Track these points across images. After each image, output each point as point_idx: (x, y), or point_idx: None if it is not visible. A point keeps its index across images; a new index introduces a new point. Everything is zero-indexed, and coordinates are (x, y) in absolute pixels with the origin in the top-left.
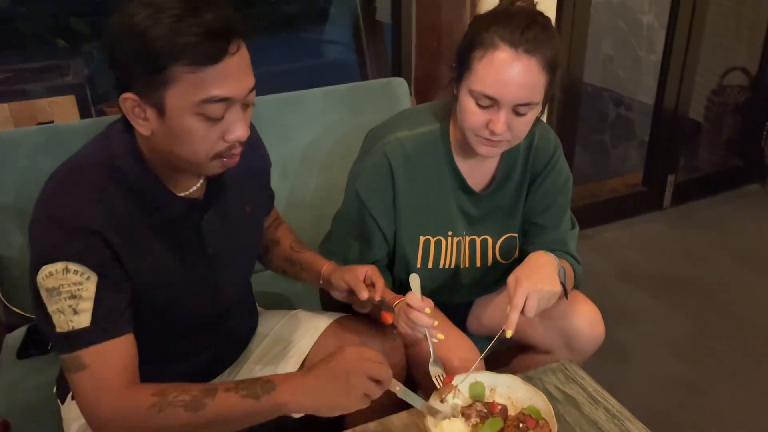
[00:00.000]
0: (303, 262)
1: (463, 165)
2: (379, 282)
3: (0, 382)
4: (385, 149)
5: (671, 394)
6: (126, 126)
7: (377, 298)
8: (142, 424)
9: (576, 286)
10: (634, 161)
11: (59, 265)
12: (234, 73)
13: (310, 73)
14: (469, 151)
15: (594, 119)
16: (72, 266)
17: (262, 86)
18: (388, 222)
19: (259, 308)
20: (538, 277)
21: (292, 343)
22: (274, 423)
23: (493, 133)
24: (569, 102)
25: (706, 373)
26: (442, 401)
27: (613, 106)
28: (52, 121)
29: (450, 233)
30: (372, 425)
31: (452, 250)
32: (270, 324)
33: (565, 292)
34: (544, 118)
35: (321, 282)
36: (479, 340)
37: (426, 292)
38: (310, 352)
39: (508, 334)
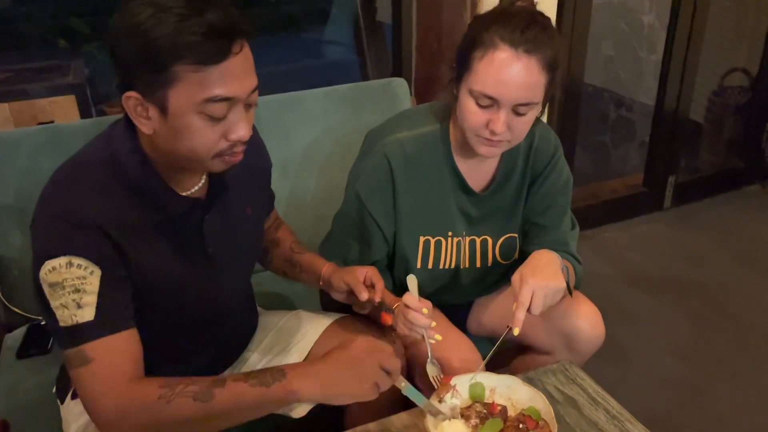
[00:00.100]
0: (303, 263)
1: (463, 165)
2: (379, 283)
3: (0, 382)
4: (385, 150)
5: (671, 395)
6: (128, 125)
7: (377, 299)
8: (150, 417)
9: (576, 287)
10: (635, 162)
11: (62, 260)
12: (237, 72)
13: (310, 74)
14: (469, 151)
15: (594, 120)
16: (75, 260)
17: (263, 86)
18: (388, 222)
19: (259, 308)
20: (543, 274)
21: (292, 344)
22: (274, 423)
23: (493, 133)
24: (570, 102)
25: (706, 374)
26: (440, 401)
27: (613, 106)
28: (52, 121)
29: (450, 233)
30: (372, 425)
31: (452, 250)
32: (270, 324)
33: (569, 290)
34: (545, 119)
35: (321, 283)
36: (479, 340)
37: (426, 292)
38: (310, 352)
39: (515, 331)
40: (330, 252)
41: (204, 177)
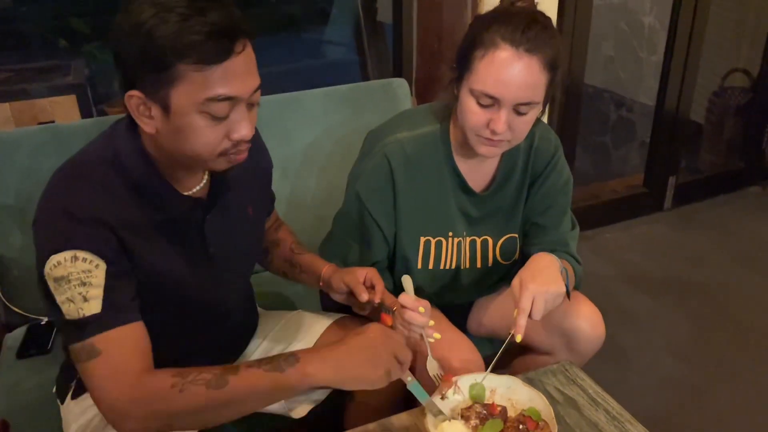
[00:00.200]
0: (303, 264)
1: (464, 165)
2: (379, 284)
3: (0, 382)
4: (386, 150)
5: (672, 395)
6: (131, 124)
7: (377, 300)
8: (163, 407)
9: (576, 287)
10: (635, 162)
11: (67, 254)
12: (239, 72)
13: (310, 74)
14: (469, 151)
15: (595, 120)
16: (80, 254)
17: (263, 86)
18: (388, 223)
19: (259, 309)
20: (543, 279)
21: (292, 344)
22: (275, 423)
23: (494, 132)
24: (570, 103)
25: (706, 375)
26: (442, 398)
27: (614, 107)
28: (52, 121)
29: (450, 234)
30: (372, 425)
31: (453, 250)
32: (270, 324)
33: (568, 293)
34: (545, 119)
35: (321, 284)
36: (479, 341)
37: (426, 293)
38: None
39: (518, 338)
40: (330, 253)
41: (206, 177)
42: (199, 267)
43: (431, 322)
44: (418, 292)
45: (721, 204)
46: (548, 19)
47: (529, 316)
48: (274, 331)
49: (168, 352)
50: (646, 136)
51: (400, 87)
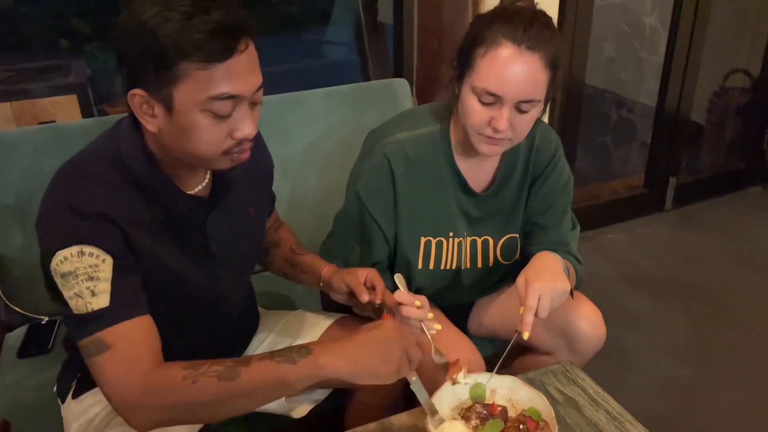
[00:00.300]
0: (303, 264)
1: (464, 166)
2: (380, 285)
3: (0, 382)
4: (386, 150)
5: (672, 396)
6: (133, 123)
7: (378, 301)
8: (174, 399)
9: (577, 287)
10: (636, 163)
11: (74, 249)
12: (242, 70)
13: (311, 74)
14: (469, 151)
15: (596, 121)
16: (87, 249)
17: (264, 87)
18: (388, 223)
19: (260, 309)
20: (548, 277)
21: (293, 343)
22: (274, 423)
23: (495, 130)
24: (571, 103)
25: (706, 375)
26: (454, 383)
27: (614, 107)
28: (53, 121)
29: (451, 234)
30: (372, 425)
31: (453, 251)
32: (271, 324)
33: (571, 291)
34: (546, 119)
35: (321, 284)
36: (480, 341)
37: (427, 293)
38: None
39: (525, 336)
40: (331, 253)
41: (208, 176)
42: (200, 265)
43: (430, 315)
44: (419, 292)
45: (721, 204)
46: (549, 17)
47: (535, 314)
48: (275, 331)
49: (169, 351)
50: (646, 137)
51: (401, 87)
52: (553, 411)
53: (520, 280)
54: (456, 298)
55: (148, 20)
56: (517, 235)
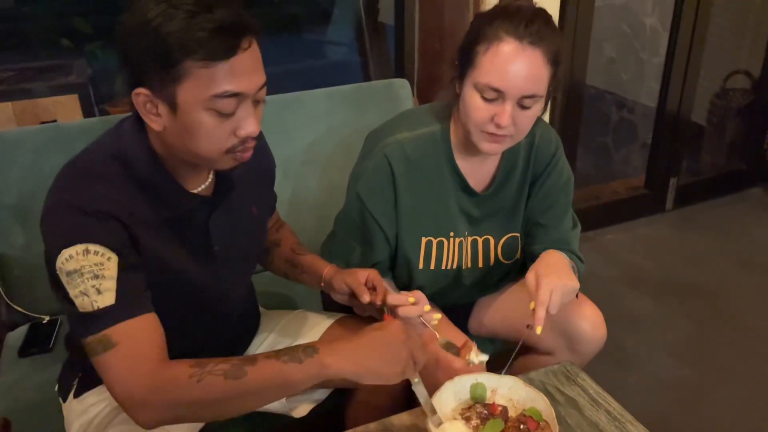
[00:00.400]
0: (304, 264)
1: (464, 165)
2: (380, 286)
3: (1, 381)
4: (386, 151)
5: (672, 397)
6: (137, 122)
7: (378, 302)
8: (180, 396)
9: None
10: (637, 164)
11: (79, 247)
12: (245, 68)
13: (312, 74)
14: (470, 151)
15: (596, 122)
16: (92, 247)
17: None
18: (389, 223)
19: (261, 309)
20: (558, 273)
21: (294, 342)
22: (274, 423)
23: (498, 126)
24: (572, 104)
25: (707, 376)
26: (468, 364)
27: (615, 108)
28: (55, 120)
29: (452, 234)
30: (372, 425)
31: (454, 250)
32: (272, 324)
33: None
34: (546, 120)
35: (322, 285)
36: (481, 340)
37: (427, 293)
38: None
39: (538, 330)
40: (332, 254)
41: (211, 175)
42: (202, 264)
43: (427, 307)
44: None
45: (722, 205)
46: (549, 15)
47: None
48: (275, 331)
49: (170, 350)
50: (647, 138)
51: (402, 87)
52: (553, 411)
53: (530, 275)
54: (456, 298)
55: (152, 19)
56: (518, 235)
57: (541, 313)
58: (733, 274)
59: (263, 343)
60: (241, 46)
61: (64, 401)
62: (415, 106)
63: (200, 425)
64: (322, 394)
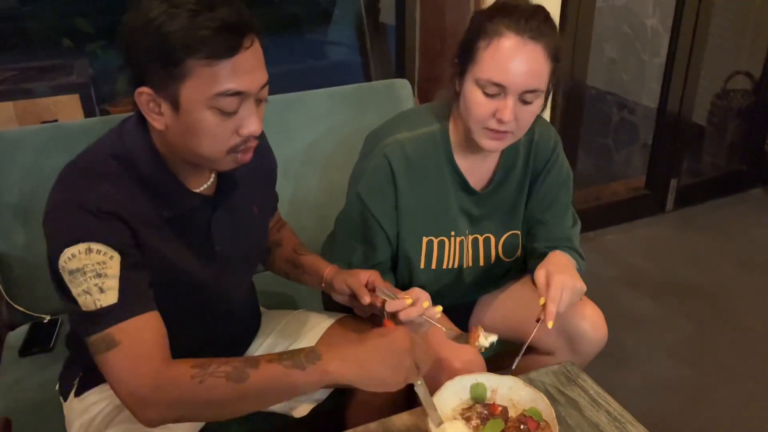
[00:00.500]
0: (305, 265)
1: (464, 164)
2: (381, 287)
3: (2, 380)
4: (386, 151)
5: (672, 397)
6: (140, 121)
7: (379, 303)
8: (183, 397)
9: None
10: (637, 165)
11: (81, 246)
12: (248, 67)
13: (313, 74)
14: (469, 149)
15: (597, 122)
16: (95, 246)
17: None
18: (390, 223)
19: (261, 308)
20: (568, 273)
21: (295, 342)
22: (275, 423)
23: (500, 122)
24: (572, 105)
25: (707, 377)
26: (480, 349)
27: (616, 109)
28: (56, 120)
29: (453, 233)
30: (373, 425)
31: (455, 250)
32: (273, 324)
33: None
34: (547, 120)
35: (323, 285)
36: None
37: (428, 292)
38: None
39: (549, 325)
40: (334, 256)
41: (213, 175)
42: (204, 264)
43: (426, 304)
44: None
45: (722, 206)
46: (547, 11)
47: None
48: (276, 330)
49: (171, 349)
50: (648, 138)
51: (403, 88)
52: (553, 411)
53: (540, 273)
54: (457, 297)
55: (155, 18)
56: (519, 232)
57: (552, 309)
58: (733, 274)
59: (264, 342)
60: (243, 44)
61: (65, 400)
62: (416, 106)
63: (201, 424)
64: (322, 394)
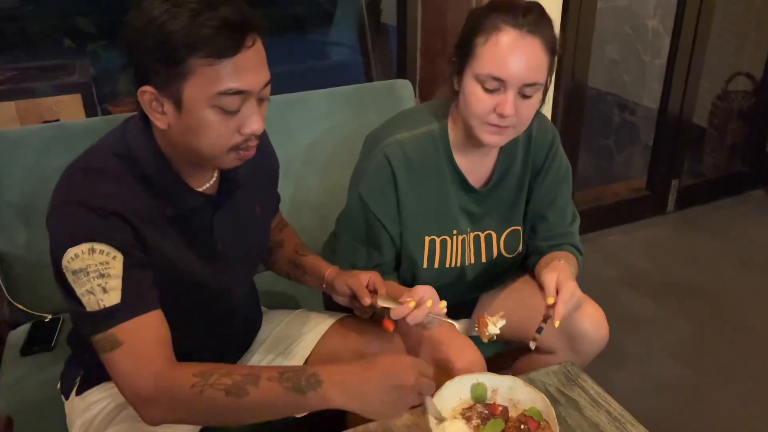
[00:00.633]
0: (306, 265)
1: (463, 162)
2: (381, 290)
3: (4, 379)
4: (386, 151)
5: (673, 397)
6: (143, 120)
7: (379, 305)
8: (184, 402)
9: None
10: (638, 166)
11: (85, 246)
12: (250, 66)
13: (314, 75)
14: (468, 147)
15: (598, 123)
16: (98, 246)
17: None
18: (393, 223)
19: (262, 308)
20: (575, 284)
21: (295, 342)
22: (275, 422)
23: (501, 116)
24: (573, 106)
25: (708, 377)
26: (489, 339)
27: (617, 110)
28: (57, 120)
29: (455, 232)
30: (373, 425)
31: (457, 248)
32: (273, 323)
33: None
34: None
35: (324, 286)
36: (482, 341)
37: None
38: (312, 351)
39: (556, 324)
40: (336, 256)
41: (215, 174)
42: (206, 263)
43: (429, 303)
44: None
45: (723, 207)
46: (542, 7)
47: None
48: (277, 329)
49: (173, 349)
50: (649, 139)
51: (404, 88)
52: (554, 411)
53: (549, 277)
54: (459, 295)
55: (157, 17)
56: (519, 228)
57: (561, 309)
58: (733, 275)
59: (264, 342)
60: (246, 43)
61: (66, 399)
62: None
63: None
64: None
